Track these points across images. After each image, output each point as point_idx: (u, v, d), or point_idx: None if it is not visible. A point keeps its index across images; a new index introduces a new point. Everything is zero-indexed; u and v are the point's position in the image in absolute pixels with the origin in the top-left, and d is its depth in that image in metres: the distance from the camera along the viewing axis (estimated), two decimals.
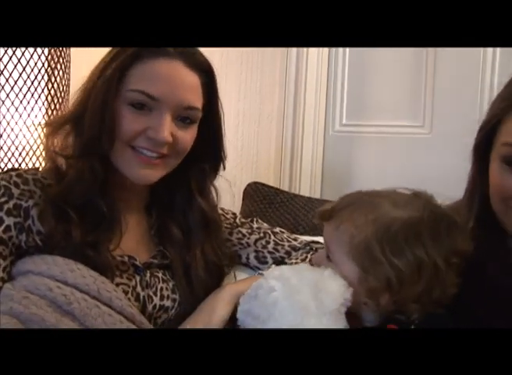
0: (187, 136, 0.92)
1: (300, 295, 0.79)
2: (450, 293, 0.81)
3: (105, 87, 0.88)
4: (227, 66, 1.81)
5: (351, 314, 0.82)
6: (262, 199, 1.41)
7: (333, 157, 1.77)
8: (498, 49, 1.51)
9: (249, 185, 1.52)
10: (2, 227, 0.86)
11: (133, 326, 0.86)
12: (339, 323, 0.79)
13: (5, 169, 1.40)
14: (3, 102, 1.42)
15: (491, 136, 0.83)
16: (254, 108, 1.80)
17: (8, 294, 0.83)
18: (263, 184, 1.50)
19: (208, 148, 0.98)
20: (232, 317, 0.92)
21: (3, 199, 0.87)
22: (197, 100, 0.92)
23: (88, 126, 0.89)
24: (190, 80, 0.91)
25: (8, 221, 0.86)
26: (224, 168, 1.03)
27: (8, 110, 1.43)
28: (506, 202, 0.81)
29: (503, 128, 0.81)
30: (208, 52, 1.82)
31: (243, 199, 1.50)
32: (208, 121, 0.96)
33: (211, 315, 0.91)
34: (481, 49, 1.53)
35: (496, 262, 0.84)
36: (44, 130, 0.97)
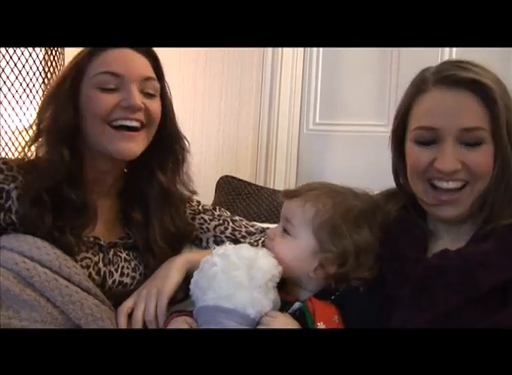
0: (154, 105, 1.05)
1: (236, 271, 0.89)
2: (372, 274, 0.92)
3: (71, 78, 1.00)
4: (210, 68, 1.91)
5: (292, 286, 0.95)
6: (231, 191, 1.51)
7: (307, 154, 1.85)
8: (454, 52, 1.59)
9: (221, 178, 1.61)
10: None
11: (89, 297, 0.96)
12: (269, 295, 0.89)
13: None
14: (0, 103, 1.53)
15: (404, 122, 0.92)
16: (233, 107, 1.90)
17: None
18: (233, 177, 1.59)
19: (163, 127, 1.08)
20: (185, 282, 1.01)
21: None
22: (152, 74, 1.05)
23: (58, 116, 1.00)
24: (142, 60, 1.04)
25: None
26: (185, 149, 1.12)
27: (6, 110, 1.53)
28: (423, 177, 0.90)
29: (413, 114, 0.90)
30: (193, 55, 1.92)
31: (215, 191, 1.60)
32: (162, 100, 1.07)
33: (165, 280, 1.00)
34: (439, 53, 1.61)
35: (407, 237, 0.93)
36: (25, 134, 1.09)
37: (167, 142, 1.09)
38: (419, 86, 0.89)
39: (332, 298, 0.92)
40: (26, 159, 1.06)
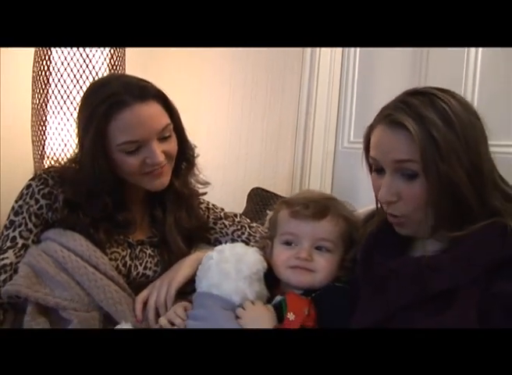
0: (172, 143, 1.22)
1: (226, 264, 1.03)
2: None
3: (99, 142, 1.13)
4: (256, 91, 2.07)
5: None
6: (259, 201, 1.64)
7: (341, 171, 1.93)
8: (478, 74, 1.58)
9: (252, 190, 1.75)
10: (38, 206, 1.20)
11: (112, 284, 1.14)
12: (253, 287, 1.02)
13: None
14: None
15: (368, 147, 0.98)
16: (274, 127, 2.04)
17: (31, 251, 1.17)
18: (262, 189, 1.72)
19: (178, 143, 1.24)
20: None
21: (41, 187, 1.22)
22: (165, 119, 1.19)
23: (96, 172, 1.15)
24: (154, 111, 1.16)
25: (42, 202, 1.20)
26: (194, 155, 1.29)
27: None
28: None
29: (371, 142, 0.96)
30: (241, 80, 2.09)
31: (246, 201, 1.74)
32: (176, 129, 1.23)
33: (176, 273, 1.17)
34: (464, 70, 1.60)
35: (382, 244, 0.99)
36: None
37: (180, 152, 1.26)
38: (374, 120, 0.96)
39: (313, 295, 1.01)
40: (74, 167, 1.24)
